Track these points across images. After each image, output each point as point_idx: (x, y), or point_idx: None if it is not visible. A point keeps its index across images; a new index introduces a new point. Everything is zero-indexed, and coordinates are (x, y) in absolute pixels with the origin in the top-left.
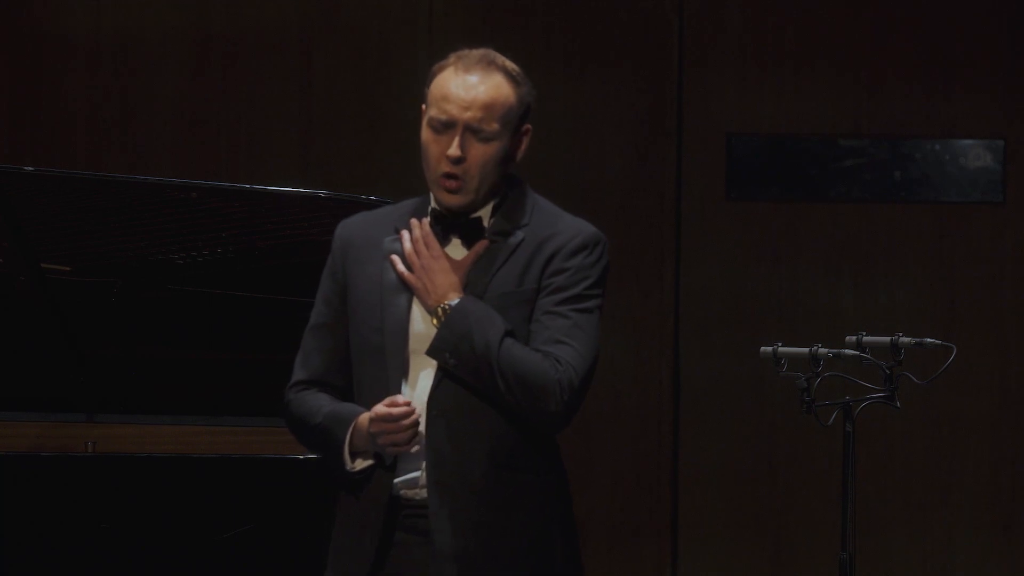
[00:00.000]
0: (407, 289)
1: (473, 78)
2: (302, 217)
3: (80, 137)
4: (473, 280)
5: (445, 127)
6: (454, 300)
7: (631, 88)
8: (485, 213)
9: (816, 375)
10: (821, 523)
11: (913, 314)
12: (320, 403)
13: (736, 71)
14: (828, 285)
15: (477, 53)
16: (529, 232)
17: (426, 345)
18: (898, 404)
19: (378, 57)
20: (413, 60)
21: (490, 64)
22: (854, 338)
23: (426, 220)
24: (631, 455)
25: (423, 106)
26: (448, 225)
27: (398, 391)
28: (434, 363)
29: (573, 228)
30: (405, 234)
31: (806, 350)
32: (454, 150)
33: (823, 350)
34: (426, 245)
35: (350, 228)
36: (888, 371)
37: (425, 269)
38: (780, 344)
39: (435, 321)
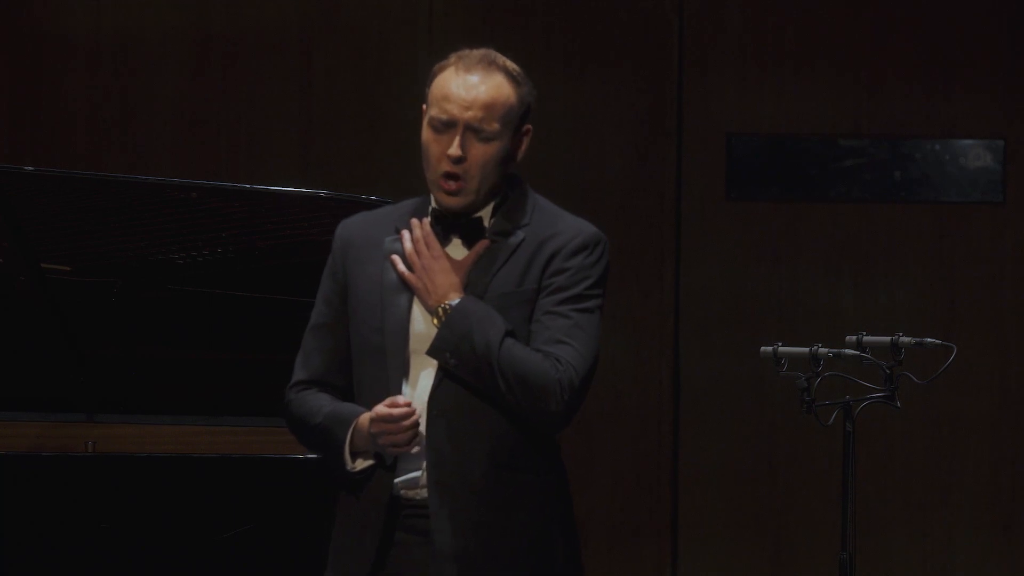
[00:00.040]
0: (408, 289)
1: (474, 78)
2: (302, 217)
3: (80, 137)
4: (473, 280)
5: (446, 127)
6: (455, 300)
7: (631, 88)
8: (486, 213)
9: (816, 375)
10: (821, 523)
11: (913, 314)
12: (320, 403)
13: (736, 71)
14: (828, 285)
15: (478, 53)
16: (530, 232)
17: (427, 345)
18: (898, 404)
19: (378, 57)
20: (413, 60)
21: (491, 64)
22: (854, 338)
23: (427, 220)
24: (631, 455)
25: (423, 106)
26: (449, 225)
27: (399, 391)
28: (435, 363)
29: (574, 228)
30: (406, 234)
31: (806, 350)
32: (455, 150)
33: (823, 350)
34: (427, 245)
35: (350, 228)
36: (888, 371)
37: (426, 269)
38: (780, 344)
39: (436, 321)
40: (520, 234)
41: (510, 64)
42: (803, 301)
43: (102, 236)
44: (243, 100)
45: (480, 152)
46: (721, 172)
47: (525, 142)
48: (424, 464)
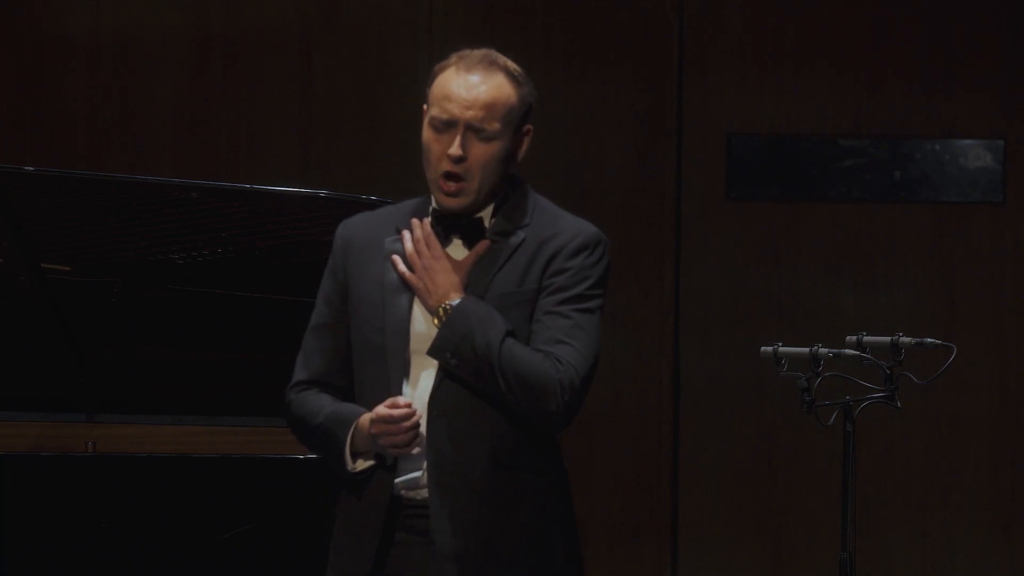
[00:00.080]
0: (408, 289)
1: (475, 78)
2: (302, 217)
3: (80, 137)
4: (474, 280)
5: (446, 126)
6: (455, 300)
7: (631, 88)
8: (486, 213)
9: (816, 375)
10: (821, 523)
11: (913, 314)
12: (321, 404)
13: (736, 71)
14: (828, 285)
15: (479, 53)
16: (530, 232)
17: (427, 345)
18: (898, 404)
19: (378, 57)
20: (413, 60)
21: (492, 64)
22: (854, 338)
23: (427, 220)
24: (631, 455)
25: (424, 106)
26: (449, 225)
27: (399, 391)
28: (435, 363)
29: (574, 228)
30: (406, 234)
31: (806, 350)
32: (455, 149)
33: (823, 350)
34: (427, 245)
35: (351, 228)
36: (888, 371)
37: (426, 269)
38: (780, 344)
39: (436, 321)
40: (521, 234)
41: (511, 64)
42: (803, 301)
43: (102, 236)
44: (243, 100)
45: (481, 152)
46: (721, 172)
47: (526, 142)
48: (424, 464)
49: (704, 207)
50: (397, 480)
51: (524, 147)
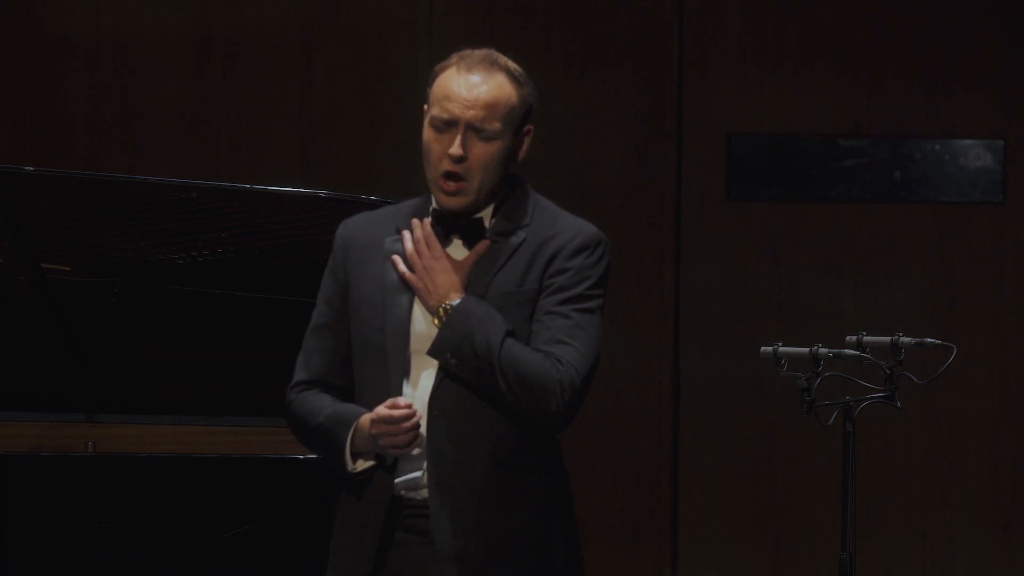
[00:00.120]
0: (409, 289)
1: (476, 78)
2: (302, 217)
3: (80, 137)
4: (474, 280)
5: (447, 126)
6: (455, 300)
7: (631, 88)
8: (486, 213)
9: (816, 375)
10: (821, 523)
11: (913, 314)
12: (322, 404)
13: (736, 71)
14: (828, 285)
15: (480, 53)
16: (530, 232)
17: (427, 345)
18: (898, 404)
19: (378, 57)
20: (413, 60)
21: (492, 64)
22: (854, 338)
23: (427, 220)
24: (631, 455)
25: (425, 106)
26: (449, 225)
27: (399, 391)
28: (436, 363)
29: (574, 228)
30: (406, 234)
31: (806, 350)
32: (456, 149)
33: (823, 350)
34: (427, 245)
35: (352, 228)
36: (888, 371)
37: (426, 269)
38: (780, 344)
39: (436, 321)
40: (521, 234)
41: (512, 64)
42: (803, 301)
43: (102, 236)
44: (243, 100)
45: (481, 152)
46: (721, 172)
47: (526, 142)
48: (425, 464)
49: (704, 207)
50: (397, 480)
51: (525, 147)
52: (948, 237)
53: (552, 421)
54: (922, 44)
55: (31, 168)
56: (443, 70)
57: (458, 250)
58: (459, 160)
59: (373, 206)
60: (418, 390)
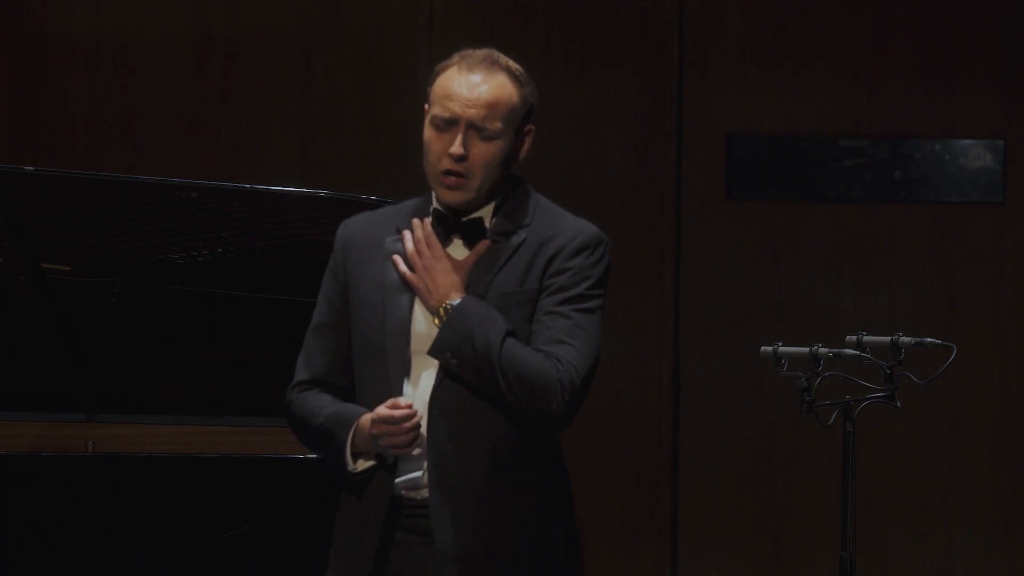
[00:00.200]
0: (409, 289)
1: (477, 77)
2: (302, 217)
3: (80, 137)
4: (475, 280)
5: (448, 124)
6: (456, 300)
7: (631, 88)
8: (487, 213)
9: (816, 375)
10: (821, 523)
11: (913, 314)
12: (322, 404)
13: (736, 71)
14: (828, 285)
15: (481, 53)
16: (531, 232)
17: (428, 345)
18: (898, 404)
19: (378, 57)
20: (413, 60)
21: (494, 64)
22: (854, 338)
23: (428, 220)
24: (631, 455)
25: (425, 106)
26: (450, 225)
27: (400, 391)
28: (436, 363)
29: (575, 228)
30: (407, 234)
31: (806, 350)
32: (456, 148)
33: (823, 350)
34: (428, 245)
35: (352, 228)
36: (888, 371)
37: (427, 269)
38: (780, 344)
39: (437, 321)
40: (521, 234)
41: (513, 64)
42: (803, 301)
43: (102, 236)
44: (243, 100)
45: (482, 151)
46: (721, 172)
47: (527, 142)
48: (425, 464)
49: (704, 207)
50: (398, 480)
51: (525, 147)
52: (948, 237)
53: (552, 421)
54: (922, 44)
55: (31, 168)
56: (444, 69)
57: (458, 250)
58: (460, 159)
59: (373, 206)
60: (418, 390)
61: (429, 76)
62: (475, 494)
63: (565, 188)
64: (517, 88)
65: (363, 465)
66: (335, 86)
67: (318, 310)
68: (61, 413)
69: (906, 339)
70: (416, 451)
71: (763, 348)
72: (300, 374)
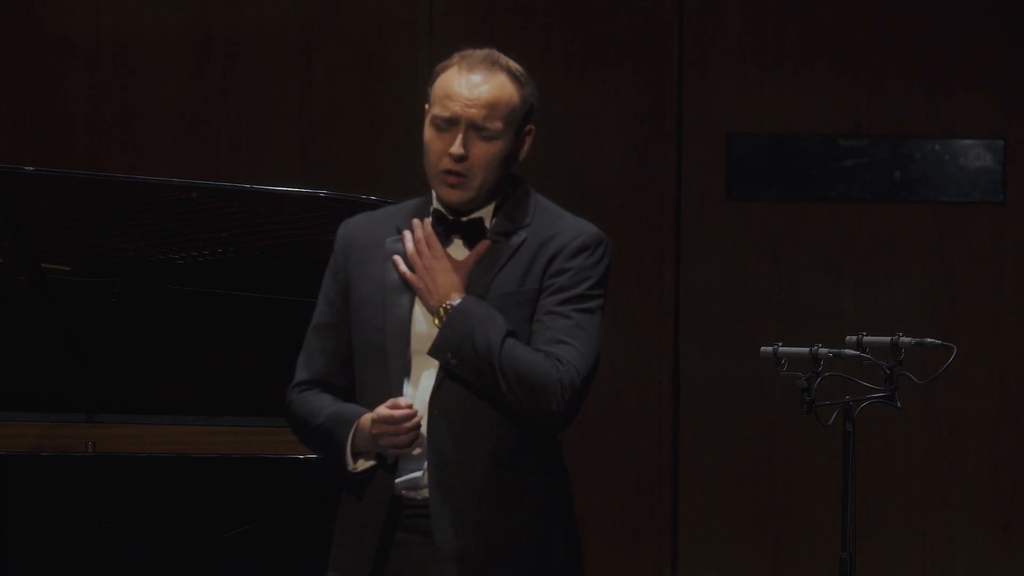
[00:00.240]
0: (409, 289)
1: (477, 77)
2: (302, 217)
3: (80, 137)
4: (475, 280)
5: (448, 124)
6: (456, 300)
7: (631, 88)
8: (487, 213)
9: (816, 375)
10: (821, 523)
11: (913, 314)
12: (322, 404)
13: (736, 71)
14: (828, 285)
15: (481, 53)
16: (531, 232)
17: (428, 345)
18: (898, 404)
19: (378, 57)
20: (413, 60)
21: (494, 64)
22: (854, 338)
23: (428, 220)
24: (631, 455)
25: (426, 106)
26: (450, 225)
27: (400, 391)
28: (436, 363)
29: (575, 228)
30: (407, 234)
31: (806, 350)
32: (457, 147)
33: (823, 350)
34: (428, 245)
35: (352, 228)
36: (888, 371)
37: (427, 269)
38: (780, 344)
39: (437, 321)
40: (522, 234)
41: (513, 64)
42: (803, 301)
43: (102, 236)
44: (243, 100)
45: (482, 151)
46: (721, 172)
47: (527, 142)
48: (425, 464)
49: (704, 207)
50: (398, 480)
51: (526, 147)
52: (948, 237)
53: (553, 421)
54: (922, 44)
55: (31, 168)
56: (444, 69)
57: (459, 250)
58: (460, 159)
59: (373, 206)
60: (419, 390)
61: (429, 76)
62: (475, 494)
63: (565, 188)
64: (517, 88)
65: (363, 465)
66: (335, 86)
67: (318, 310)
68: (61, 413)
69: (906, 339)
70: (416, 451)
71: (763, 348)
72: (300, 374)
